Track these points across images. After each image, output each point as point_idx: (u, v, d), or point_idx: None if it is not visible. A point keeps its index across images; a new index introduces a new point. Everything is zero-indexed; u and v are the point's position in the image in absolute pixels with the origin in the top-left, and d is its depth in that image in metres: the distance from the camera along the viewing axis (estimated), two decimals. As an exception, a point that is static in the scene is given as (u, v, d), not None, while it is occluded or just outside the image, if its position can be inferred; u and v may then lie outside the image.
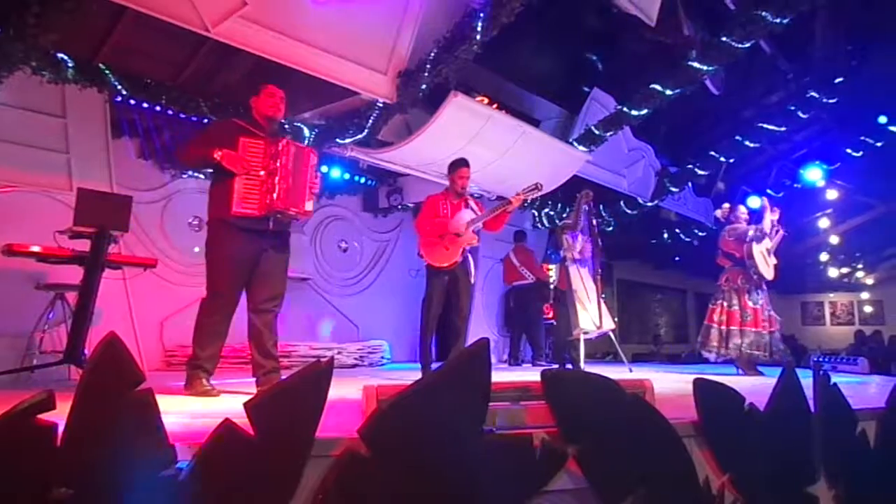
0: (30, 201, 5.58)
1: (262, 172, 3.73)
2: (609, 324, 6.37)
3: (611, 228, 11.09)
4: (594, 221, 6.65)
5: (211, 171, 3.92)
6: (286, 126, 6.48)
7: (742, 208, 6.75)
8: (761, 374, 6.03)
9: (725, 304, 6.39)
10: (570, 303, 6.33)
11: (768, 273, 6.34)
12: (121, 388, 1.67)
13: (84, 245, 4.61)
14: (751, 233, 6.36)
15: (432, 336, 5.20)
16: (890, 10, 8.89)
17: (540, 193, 5.34)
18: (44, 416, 1.58)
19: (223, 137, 3.77)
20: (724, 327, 6.32)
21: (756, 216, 6.67)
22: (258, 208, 3.71)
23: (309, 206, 3.89)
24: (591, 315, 6.24)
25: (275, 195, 3.69)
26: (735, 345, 6.19)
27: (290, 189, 3.75)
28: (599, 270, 6.53)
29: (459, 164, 5.24)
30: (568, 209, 10.22)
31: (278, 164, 3.72)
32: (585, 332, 6.22)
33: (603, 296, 6.46)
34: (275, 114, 3.93)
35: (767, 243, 6.44)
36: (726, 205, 6.92)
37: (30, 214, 5.41)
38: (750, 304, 6.25)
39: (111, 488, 1.62)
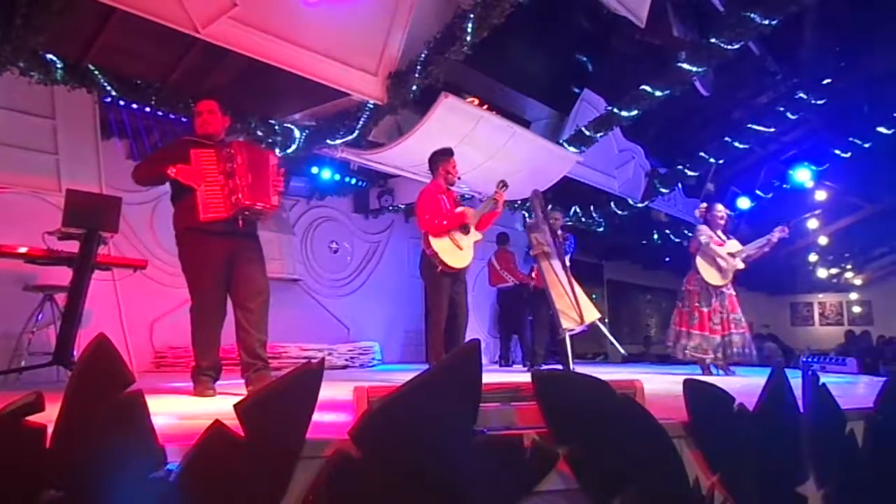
0: (19, 202, 5.55)
1: (219, 177, 3.77)
2: (592, 314, 6.22)
3: (601, 229, 11.12)
4: (547, 216, 6.61)
5: (169, 187, 3.92)
6: (276, 127, 6.48)
7: (720, 207, 6.64)
8: (711, 374, 6.08)
9: (680, 304, 6.53)
10: (550, 302, 6.24)
11: (714, 279, 6.29)
12: (110, 389, 1.67)
13: (73, 246, 4.58)
14: (702, 239, 6.36)
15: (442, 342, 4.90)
16: (877, 11, 8.96)
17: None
18: (32, 418, 1.57)
19: (175, 154, 3.82)
20: (675, 328, 6.47)
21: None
22: (224, 210, 3.75)
23: (275, 200, 3.92)
24: (570, 311, 6.08)
25: (239, 193, 3.73)
26: (681, 346, 6.32)
27: (253, 185, 3.78)
28: (568, 264, 6.40)
29: (448, 154, 5.02)
30: (556, 209, 10.24)
31: (234, 165, 3.77)
32: (571, 330, 6.10)
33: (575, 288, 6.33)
34: (206, 130, 3.95)
35: (733, 246, 6.40)
36: (703, 204, 6.82)
37: (19, 215, 5.38)
38: (698, 306, 6.30)
39: (101, 490, 1.61)
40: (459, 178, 5.12)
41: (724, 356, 6.18)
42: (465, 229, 4.92)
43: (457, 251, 4.87)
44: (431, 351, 5.03)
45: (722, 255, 6.30)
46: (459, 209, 5.03)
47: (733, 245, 6.43)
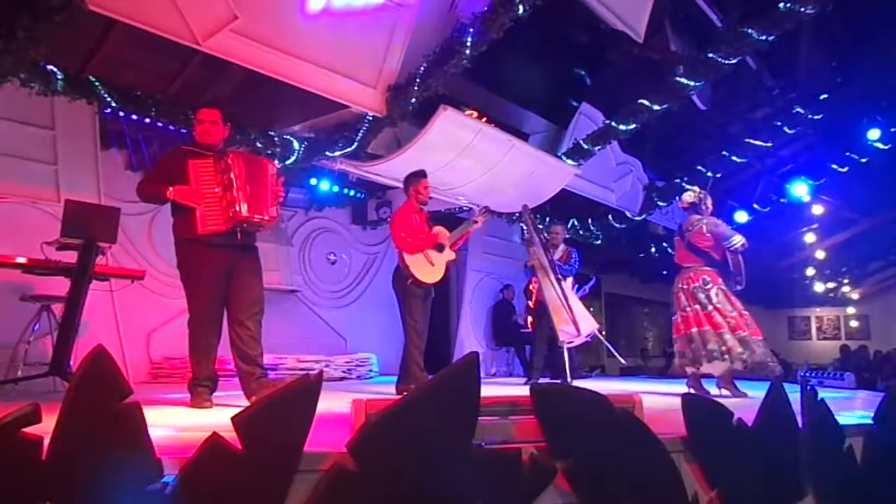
0: (17, 212, 5.55)
1: (217, 189, 3.76)
2: (589, 325, 6.19)
3: (599, 242, 11.13)
4: (538, 230, 6.62)
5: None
6: (276, 139, 6.48)
7: (709, 199, 5.73)
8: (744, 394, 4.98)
9: (700, 307, 5.24)
10: (548, 316, 6.25)
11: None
12: (107, 401, 1.66)
13: (71, 256, 4.57)
14: (736, 241, 5.29)
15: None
16: (872, 28, 9.03)
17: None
18: (29, 430, 1.57)
19: (173, 166, 3.82)
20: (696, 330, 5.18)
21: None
22: (223, 223, 3.75)
23: (273, 211, 3.92)
24: (566, 325, 6.07)
25: (237, 206, 3.72)
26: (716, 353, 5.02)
27: (251, 197, 3.78)
28: (561, 276, 6.35)
29: (422, 175, 5.23)
30: (556, 222, 10.25)
31: (232, 176, 3.76)
32: (569, 343, 6.11)
33: (573, 296, 6.30)
34: (206, 140, 3.93)
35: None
36: (696, 188, 5.87)
37: (17, 225, 5.38)
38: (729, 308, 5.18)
39: (97, 503, 1.61)
40: (428, 199, 5.29)
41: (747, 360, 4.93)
42: (439, 248, 5.19)
43: (428, 267, 5.11)
44: (411, 364, 5.06)
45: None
46: (435, 229, 5.26)
47: None
